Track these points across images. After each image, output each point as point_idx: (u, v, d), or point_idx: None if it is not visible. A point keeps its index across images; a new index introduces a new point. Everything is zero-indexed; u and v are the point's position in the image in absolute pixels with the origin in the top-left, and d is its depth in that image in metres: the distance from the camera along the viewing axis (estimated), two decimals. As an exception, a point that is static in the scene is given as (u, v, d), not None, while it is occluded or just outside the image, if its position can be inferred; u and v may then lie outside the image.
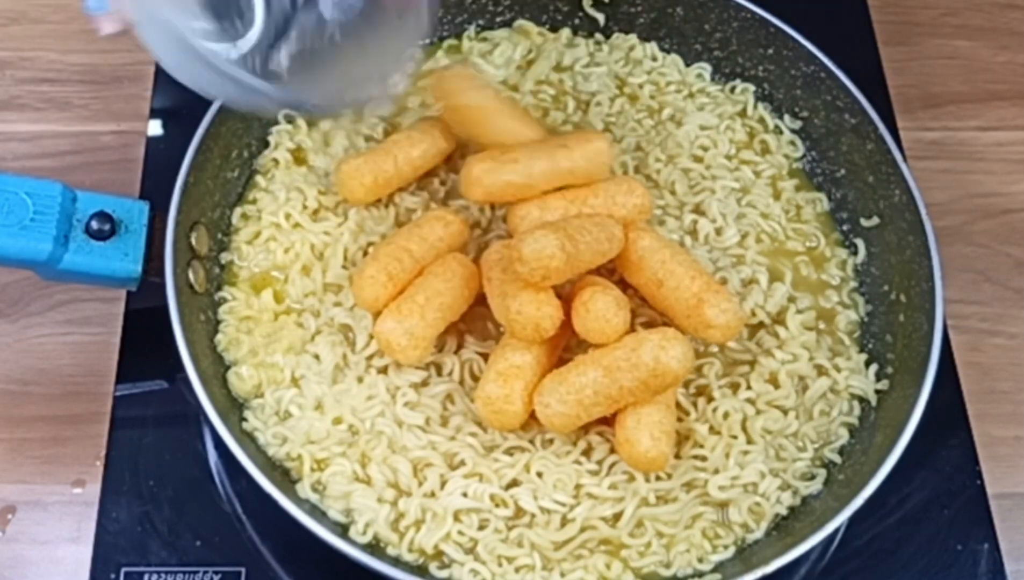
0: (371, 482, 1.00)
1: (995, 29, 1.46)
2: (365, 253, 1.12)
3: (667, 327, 0.99)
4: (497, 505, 0.99)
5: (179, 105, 1.31)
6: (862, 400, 1.08)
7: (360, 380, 1.05)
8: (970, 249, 1.29)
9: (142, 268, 1.05)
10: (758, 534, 1.01)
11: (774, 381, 1.07)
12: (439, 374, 1.06)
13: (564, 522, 1.00)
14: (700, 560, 0.99)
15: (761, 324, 1.11)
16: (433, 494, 1.00)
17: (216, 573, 1.03)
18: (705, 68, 1.28)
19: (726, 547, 1.00)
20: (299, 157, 1.18)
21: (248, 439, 1.02)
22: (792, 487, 1.03)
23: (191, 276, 1.06)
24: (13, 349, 1.17)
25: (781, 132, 1.24)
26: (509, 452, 1.02)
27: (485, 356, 1.06)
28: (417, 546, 0.98)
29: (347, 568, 0.93)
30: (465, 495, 0.99)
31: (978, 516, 1.10)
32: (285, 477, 1.01)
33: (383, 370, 1.05)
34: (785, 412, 1.06)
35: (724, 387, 1.07)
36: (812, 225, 1.19)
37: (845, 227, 1.19)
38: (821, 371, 1.09)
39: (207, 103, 1.10)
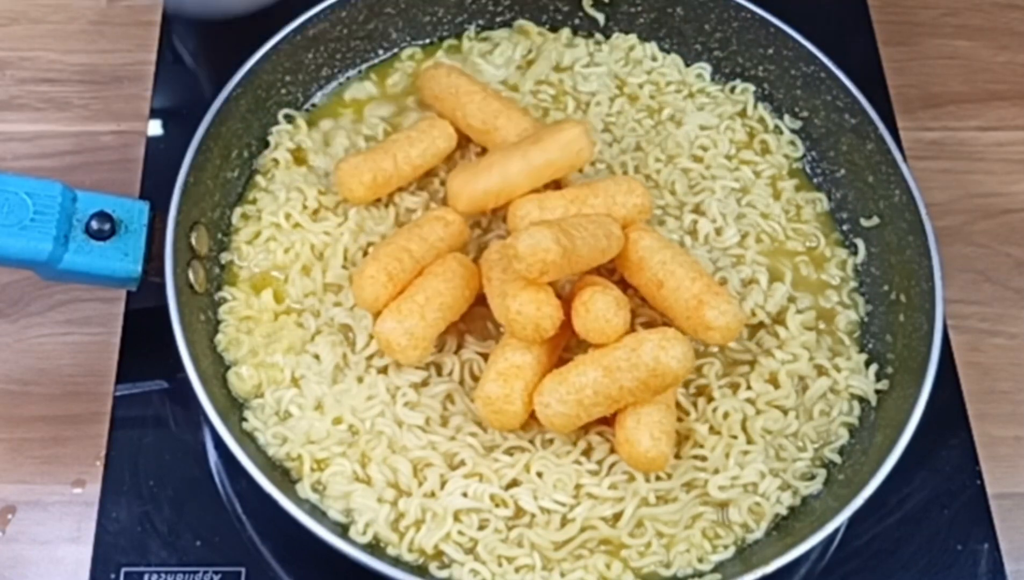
0: (371, 482, 1.00)
1: (995, 29, 1.46)
2: (365, 253, 1.12)
3: (667, 327, 0.99)
4: (497, 505, 0.99)
5: (179, 105, 1.31)
6: (862, 400, 1.08)
7: (360, 380, 1.05)
8: (970, 249, 1.29)
9: (142, 268, 1.05)
10: (758, 534, 1.01)
11: (774, 381, 1.07)
12: (439, 374, 1.06)
13: (564, 522, 1.00)
14: (700, 560, 0.99)
15: (761, 324, 1.11)
16: (433, 494, 1.00)
17: (216, 573, 1.03)
18: (705, 68, 1.28)
19: (726, 547, 1.00)
20: (299, 157, 1.19)
21: (248, 439, 1.02)
22: (792, 487, 1.03)
23: (191, 276, 1.06)
24: (13, 349, 1.17)
25: (781, 132, 1.24)
26: (509, 452, 1.02)
27: (485, 356, 1.06)
28: (417, 546, 0.98)
29: (347, 568, 0.93)
30: (465, 495, 0.99)
31: (978, 516, 1.10)
32: (285, 477, 1.01)
33: (383, 370, 1.05)
34: (785, 412, 1.06)
35: (724, 387, 1.07)
36: (812, 225, 1.19)
37: (845, 227, 1.19)
38: (821, 371, 1.09)
39: (207, 103, 1.11)
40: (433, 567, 0.98)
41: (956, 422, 1.15)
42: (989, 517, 1.10)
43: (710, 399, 1.06)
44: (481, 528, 0.99)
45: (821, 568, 1.07)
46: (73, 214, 1.03)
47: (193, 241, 1.07)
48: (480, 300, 1.05)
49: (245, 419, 1.04)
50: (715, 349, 1.09)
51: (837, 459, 1.05)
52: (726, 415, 1.04)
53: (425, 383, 1.05)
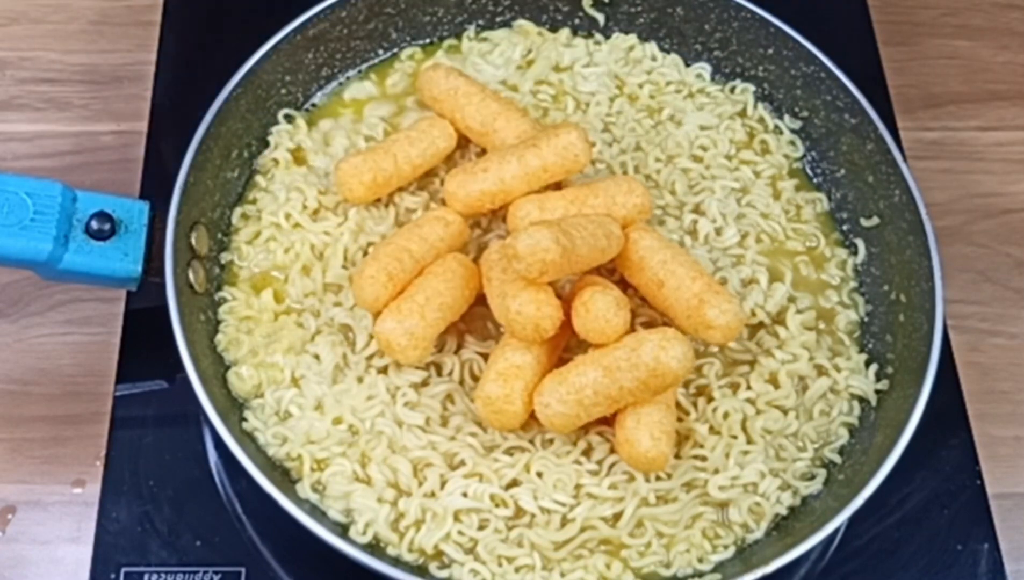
0: (371, 482, 1.00)
1: (995, 29, 1.46)
2: (365, 253, 1.12)
3: (667, 327, 0.99)
4: (497, 505, 0.99)
5: (179, 105, 1.31)
6: (862, 400, 1.08)
7: (360, 380, 1.05)
8: (970, 249, 1.29)
9: (142, 268, 1.05)
10: (758, 534, 1.01)
11: (774, 381, 1.07)
12: (439, 374, 1.06)
13: (564, 522, 1.00)
14: (700, 560, 0.99)
15: (761, 324, 1.11)
16: (433, 494, 1.00)
17: (216, 573, 1.03)
18: (705, 68, 1.28)
19: (726, 547, 1.00)
20: (299, 157, 1.19)
21: (248, 439, 1.02)
22: (792, 487, 1.03)
23: (191, 276, 1.06)
24: (13, 349, 1.17)
25: (781, 132, 1.24)
26: (509, 452, 1.02)
27: (485, 356, 1.06)
28: (417, 546, 0.98)
29: (347, 568, 0.93)
30: (465, 495, 0.99)
31: (978, 516, 1.10)
32: (285, 477, 1.01)
33: (383, 370, 1.05)
34: (785, 412, 1.06)
35: (724, 387, 1.06)
36: (812, 225, 1.19)
37: (845, 227, 1.19)
38: (821, 371, 1.09)
39: (207, 103, 1.11)
40: (433, 567, 0.98)
41: (956, 422, 1.15)
42: (989, 517, 1.10)
43: (710, 399, 1.06)
44: (481, 528, 0.99)
45: (821, 568, 1.07)
46: (73, 214, 1.03)
47: (193, 241, 1.07)
48: (480, 300, 1.05)
49: (245, 419, 1.04)
50: (715, 349, 1.09)
51: (837, 459, 1.05)
52: (726, 415, 1.04)
53: (425, 383, 1.05)
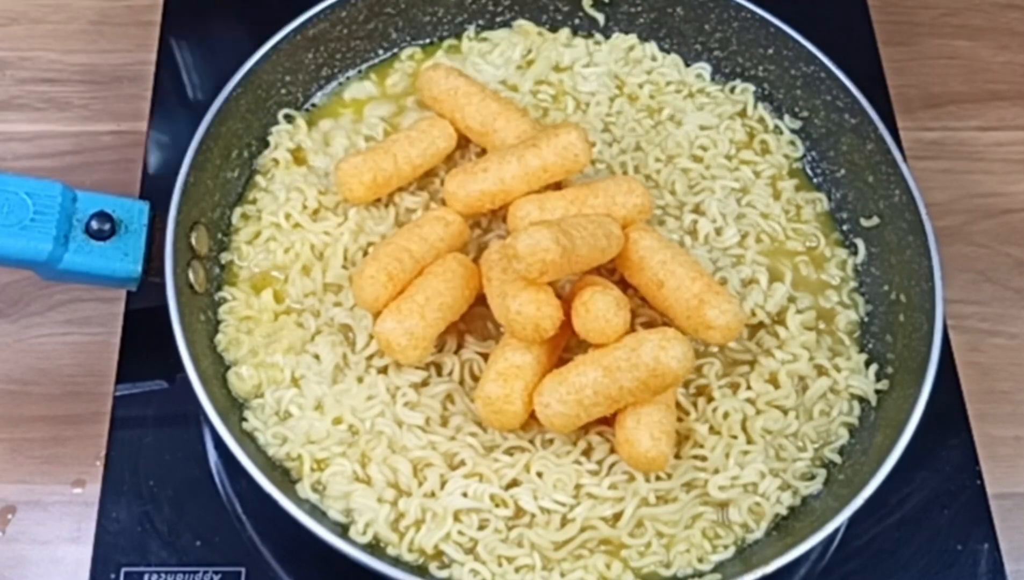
0: (371, 482, 1.00)
1: (995, 29, 1.46)
2: (365, 253, 1.12)
3: (667, 327, 0.99)
4: (497, 505, 0.99)
5: (179, 105, 1.31)
6: (862, 400, 1.08)
7: (360, 380, 1.05)
8: (970, 249, 1.29)
9: (142, 268, 1.05)
10: (758, 534, 1.01)
11: (774, 381, 1.07)
12: (439, 374, 1.06)
13: (564, 522, 1.00)
14: (700, 560, 0.99)
15: (761, 324, 1.11)
16: (433, 494, 1.00)
17: (216, 573, 1.03)
18: (705, 68, 1.28)
19: (726, 547, 1.00)
20: (299, 157, 1.19)
21: (248, 439, 1.02)
22: (792, 487, 1.03)
23: (191, 276, 1.06)
24: (13, 349, 1.17)
25: (781, 132, 1.24)
26: (509, 452, 1.02)
27: (485, 356, 1.06)
28: (417, 546, 0.98)
29: (347, 568, 0.93)
30: (465, 495, 0.99)
31: (978, 516, 1.10)
32: (285, 477, 1.01)
33: (383, 370, 1.05)
34: (785, 412, 1.06)
35: (724, 387, 1.07)
36: (812, 225, 1.19)
37: (845, 227, 1.19)
38: (821, 371, 1.09)
39: (207, 103, 1.11)
40: (433, 567, 0.98)
41: (956, 422, 1.15)
42: (989, 517, 1.10)
43: (710, 399, 1.06)
44: (481, 528, 0.99)
45: (821, 568, 1.07)
46: (73, 214, 1.03)
47: (193, 241, 1.07)
48: (480, 300, 1.05)
49: (245, 419, 1.04)
50: (715, 349, 1.09)
51: (837, 459, 1.05)
52: (726, 415, 1.04)
53: (425, 383, 1.05)
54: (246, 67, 1.14)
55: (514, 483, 1.01)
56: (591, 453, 1.02)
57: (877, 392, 1.08)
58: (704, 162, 1.21)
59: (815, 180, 1.23)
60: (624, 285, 1.06)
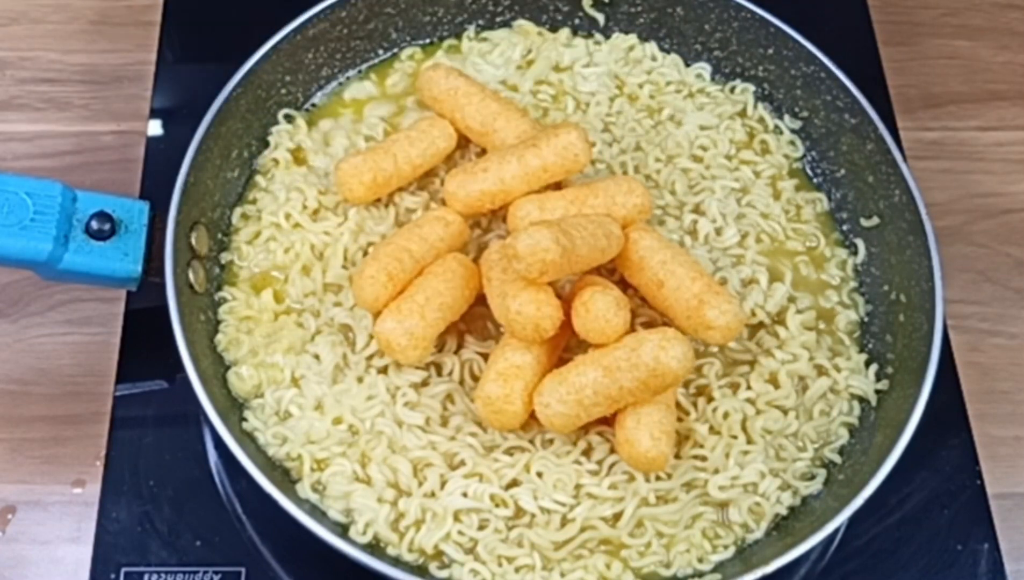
0: (371, 482, 1.00)
1: (995, 29, 1.46)
2: (365, 253, 1.12)
3: (667, 327, 0.99)
4: (497, 505, 0.99)
5: (179, 105, 1.31)
6: (862, 400, 1.08)
7: (360, 380, 1.05)
8: (970, 249, 1.29)
9: (142, 268, 1.05)
10: (758, 534, 1.01)
11: (774, 381, 1.07)
12: (439, 374, 1.06)
13: (564, 522, 1.00)
14: (700, 560, 0.99)
15: (761, 324, 1.11)
16: (433, 494, 1.00)
17: (216, 573, 1.03)
18: (705, 68, 1.28)
19: (726, 547, 1.00)
20: (299, 157, 1.19)
21: (248, 439, 1.02)
22: (792, 487, 1.03)
23: (191, 276, 1.06)
24: (13, 349, 1.17)
25: (781, 132, 1.24)
26: (509, 452, 1.02)
27: (485, 356, 1.06)
28: (417, 546, 0.98)
29: (347, 568, 0.93)
30: (465, 495, 0.99)
31: (978, 516, 1.10)
32: (285, 477, 1.01)
33: (383, 370, 1.05)
34: (785, 412, 1.06)
35: (724, 387, 1.07)
36: (812, 225, 1.19)
37: (845, 227, 1.19)
38: (821, 371, 1.09)
39: (207, 103, 1.11)
40: (433, 567, 0.98)
41: (956, 422, 1.15)
42: (989, 517, 1.10)
43: (710, 399, 1.06)
44: (481, 528, 0.99)
45: (821, 568, 1.07)
46: (73, 214, 1.03)
47: (193, 241, 1.07)
48: (480, 300, 1.05)
49: (245, 419, 1.04)
50: (715, 349, 1.09)
51: (837, 459, 1.05)
52: (726, 415, 1.04)
53: (425, 383, 1.05)
54: (246, 67, 1.14)
55: (514, 483, 1.01)
56: (591, 453, 1.02)
57: (877, 392, 1.08)
58: (704, 162, 1.21)
59: (815, 180, 1.23)
60: (624, 285, 1.06)
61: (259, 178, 1.18)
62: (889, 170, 1.13)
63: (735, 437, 1.03)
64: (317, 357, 1.06)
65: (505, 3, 1.29)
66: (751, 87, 1.26)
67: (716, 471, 1.02)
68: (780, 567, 0.93)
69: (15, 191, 1.01)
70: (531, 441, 1.02)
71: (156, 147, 1.27)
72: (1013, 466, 1.16)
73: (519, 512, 1.00)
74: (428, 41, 1.29)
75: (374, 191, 1.12)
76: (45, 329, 1.18)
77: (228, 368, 1.06)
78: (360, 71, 1.27)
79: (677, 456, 1.03)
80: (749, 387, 1.06)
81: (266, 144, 1.19)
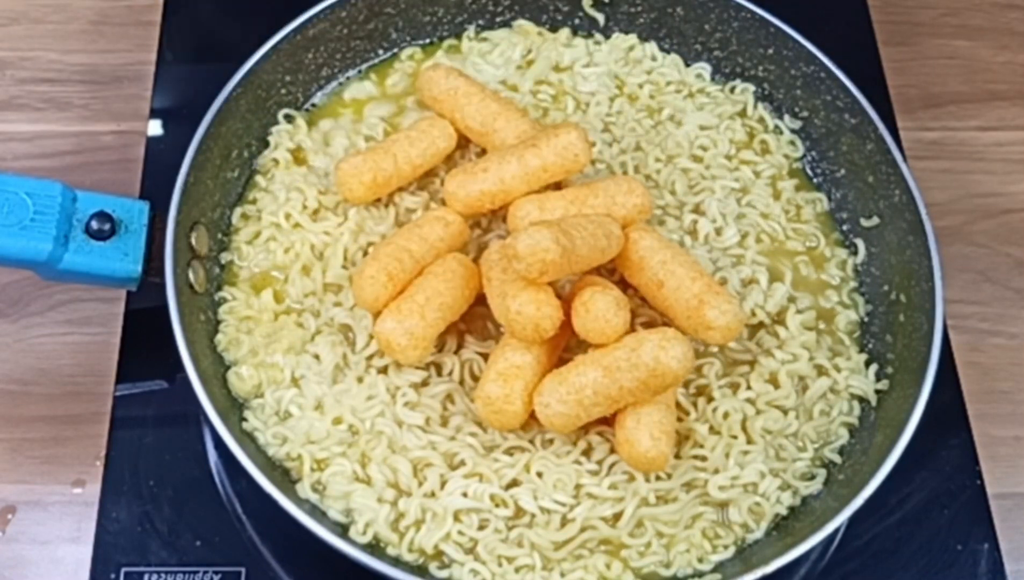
0: (371, 482, 1.00)
1: (995, 29, 1.46)
2: (365, 253, 1.12)
3: (667, 327, 0.99)
4: (497, 505, 0.99)
5: (179, 105, 1.31)
6: (862, 400, 1.08)
7: (360, 380, 1.05)
8: (970, 249, 1.29)
9: (142, 268, 1.05)
10: (758, 534, 1.01)
11: (774, 381, 1.07)
12: (439, 374, 1.06)
13: (564, 522, 1.00)
14: (700, 560, 0.99)
15: (761, 324, 1.11)
16: (433, 494, 1.00)
17: (216, 573, 1.03)
18: (705, 68, 1.28)
19: (726, 547, 1.00)
20: (299, 157, 1.19)
21: (248, 439, 1.02)
22: (792, 487, 1.03)
23: (191, 276, 1.06)
24: (13, 349, 1.17)
25: (781, 132, 1.24)
26: (509, 452, 1.02)
27: (485, 356, 1.06)
28: (417, 546, 0.98)
29: (347, 568, 0.93)
30: (465, 495, 0.99)
31: (978, 516, 1.10)
32: (285, 477, 1.01)
33: (383, 370, 1.05)
34: (785, 412, 1.06)
35: (724, 387, 1.06)
36: (812, 225, 1.19)
37: (845, 227, 1.19)
38: (821, 371, 1.09)
39: (207, 103, 1.11)
40: (433, 567, 0.98)
41: (956, 422, 1.15)
42: (989, 517, 1.10)
43: (710, 399, 1.06)
44: (481, 528, 0.99)
45: (821, 568, 1.07)
46: (73, 214, 1.03)
47: (193, 241, 1.07)
48: (480, 300, 1.05)
49: (245, 419, 1.04)
50: (715, 349, 1.09)
51: (837, 459, 1.05)
52: (726, 415, 1.04)
53: (425, 383, 1.05)
54: (246, 67, 1.14)
55: (514, 483, 1.01)
56: (591, 453, 1.02)
57: (877, 392, 1.08)
58: (704, 162, 1.21)
59: (815, 180, 1.23)
60: (624, 285, 1.06)
61: (259, 178, 1.18)
62: (889, 170, 1.13)
63: (735, 437, 1.03)
64: (317, 357, 1.06)
65: (505, 3, 1.29)
66: (751, 87, 1.26)
67: (716, 471, 1.02)
68: (780, 567, 0.93)
69: (15, 191, 1.01)
70: (531, 441, 1.02)
71: (156, 147, 1.27)
72: (1013, 466, 1.16)
73: (519, 512, 1.00)
74: (428, 41, 1.29)
75: (374, 191, 1.12)
76: (45, 329, 1.18)
77: (228, 368, 1.06)
78: (360, 71, 1.27)
79: (677, 456, 1.03)
80: (749, 387, 1.06)
81: (266, 144, 1.19)
